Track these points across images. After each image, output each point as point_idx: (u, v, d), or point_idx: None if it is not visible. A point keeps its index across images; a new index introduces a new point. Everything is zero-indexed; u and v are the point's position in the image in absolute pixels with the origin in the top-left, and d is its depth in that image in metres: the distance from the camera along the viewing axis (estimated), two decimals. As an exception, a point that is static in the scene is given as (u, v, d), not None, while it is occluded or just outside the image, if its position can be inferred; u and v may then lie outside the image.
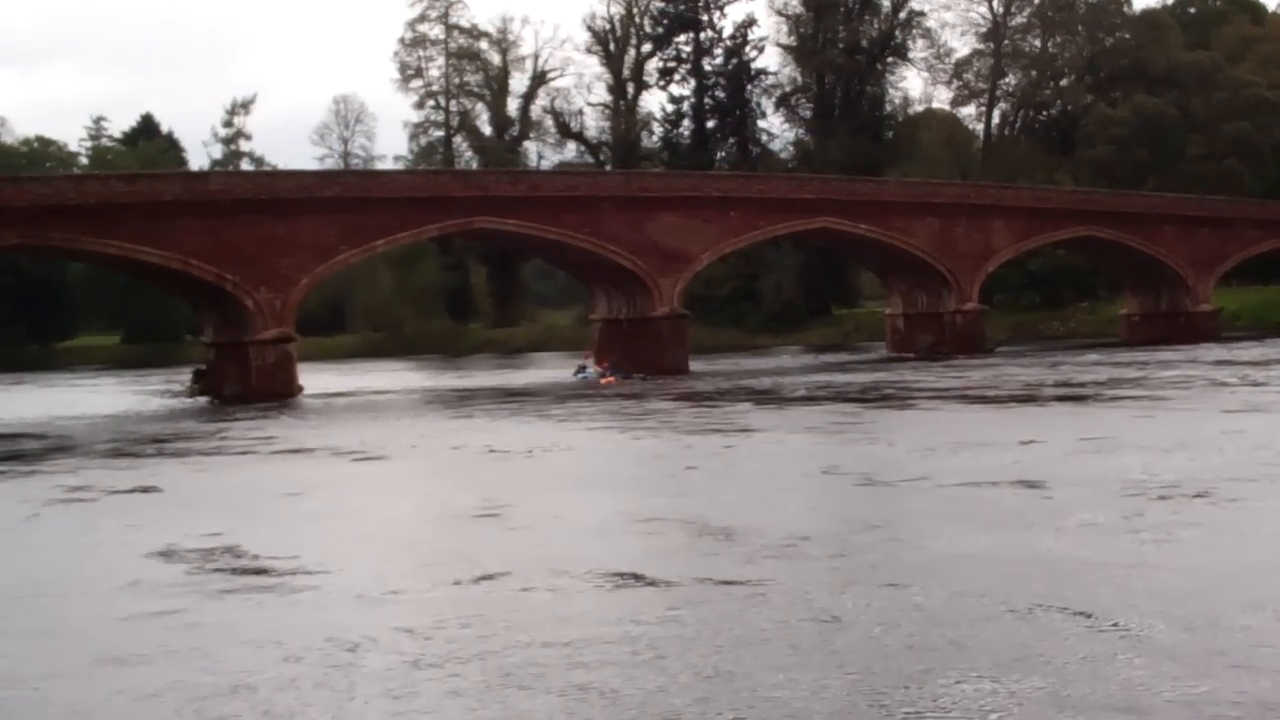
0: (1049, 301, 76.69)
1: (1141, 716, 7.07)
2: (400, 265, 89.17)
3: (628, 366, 47.65)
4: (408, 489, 19.19)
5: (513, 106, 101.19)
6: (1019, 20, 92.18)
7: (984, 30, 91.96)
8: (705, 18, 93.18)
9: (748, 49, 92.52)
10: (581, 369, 49.35)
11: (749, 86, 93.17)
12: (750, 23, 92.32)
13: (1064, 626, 8.85)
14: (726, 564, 11.50)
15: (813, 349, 70.07)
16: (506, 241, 61.57)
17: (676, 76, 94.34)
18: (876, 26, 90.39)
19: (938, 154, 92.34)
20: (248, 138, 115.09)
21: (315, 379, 48.31)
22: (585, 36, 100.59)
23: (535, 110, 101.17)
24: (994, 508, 14.31)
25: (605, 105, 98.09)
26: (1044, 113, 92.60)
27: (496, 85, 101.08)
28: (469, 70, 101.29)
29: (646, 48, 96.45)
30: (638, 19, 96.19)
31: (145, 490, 19.12)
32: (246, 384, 43.50)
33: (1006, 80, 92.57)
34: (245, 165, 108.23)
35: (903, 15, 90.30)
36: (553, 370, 55.69)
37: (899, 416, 27.93)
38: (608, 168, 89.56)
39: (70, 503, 18.27)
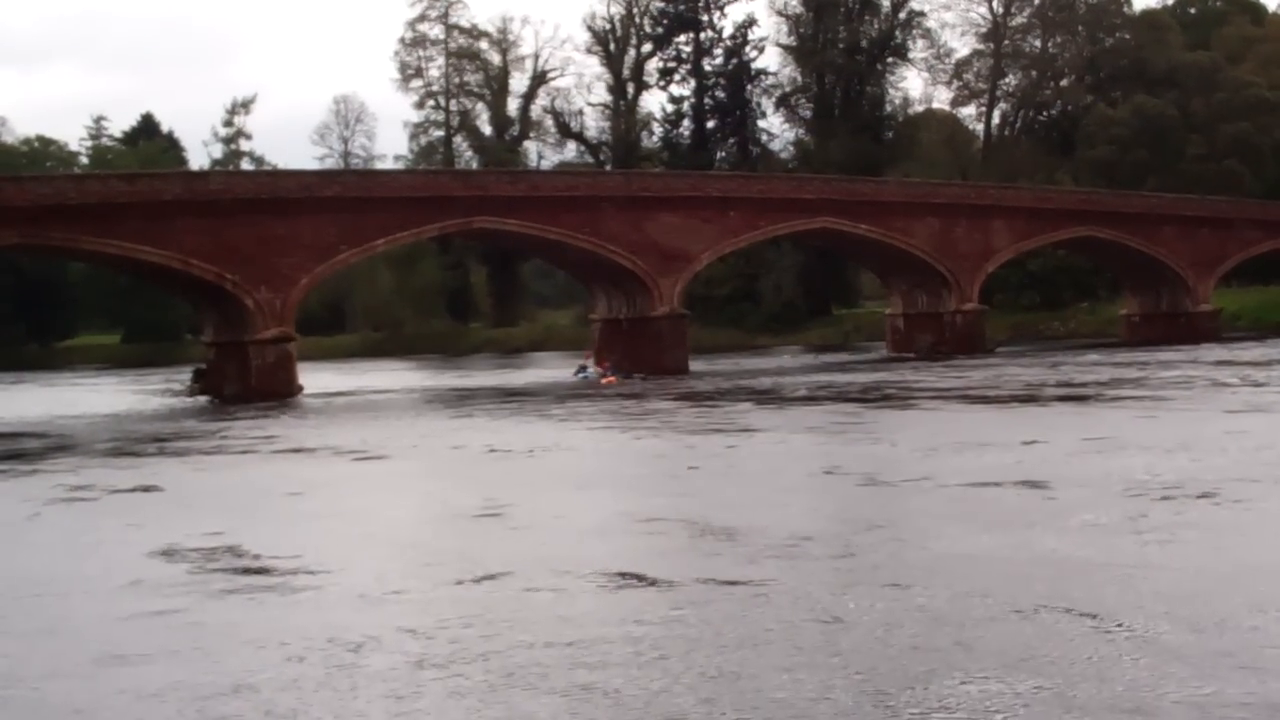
0: (1049, 302, 76.68)
1: (1148, 718, 7.04)
2: (400, 265, 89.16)
3: (628, 366, 47.62)
4: (409, 489, 19.16)
5: (513, 106, 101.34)
6: (1019, 20, 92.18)
7: (984, 30, 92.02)
8: (705, 18, 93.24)
9: (748, 49, 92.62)
10: (582, 369, 49.34)
11: (749, 86, 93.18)
12: (750, 23, 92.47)
13: (1069, 627, 8.83)
14: (729, 564, 11.47)
15: (813, 349, 70.03)
16: (506, 241, 61.56)
17: (676, 76, 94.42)
18: (876, 26, 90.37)
19: (938, 154, 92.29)
20: (248, 137, 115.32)
21: (315, 378, 48.28)
22: (585, 36, 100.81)
23: (535, 110, 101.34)
24: (997, 508, 14.29)
25: (605, 105, 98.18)
26: (1044, 113, 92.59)
27: (496, 85, 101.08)
28: (469, 70, 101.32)
29: (646, 48, 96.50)
30: (638, 19, 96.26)
31: (146, 489, 19.10)
32: (246, 383, 43.48)
33: (1007, 80, 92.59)
34: (245, 165, 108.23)
35: (903, 15, 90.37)
36: (553, 370, 55.67)
37: (900, 416, 27.90)
38: (608, 168, 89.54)
39: (71, 502, 18.24)
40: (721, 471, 19.03)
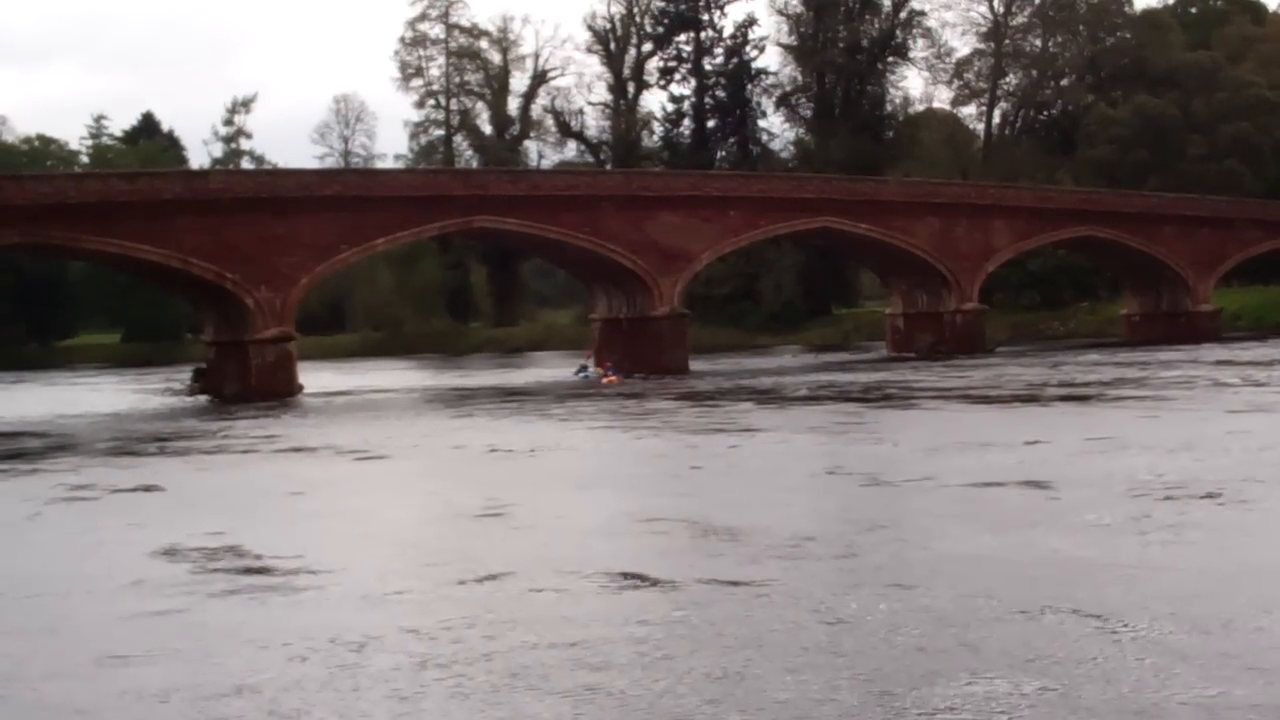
0: (1049, 301, 76.64)
1: (1155, 719, 7.02)
2: (400, 264, 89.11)
3: (628, 366, 47.58)
4: (410, 488, 19.13)
5: (513, 106, 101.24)
6: (1020, 20, 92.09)
7: (984, 30, 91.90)
8: (706, 17, 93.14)
9: (748, 48, 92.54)
10: (583, 368, 49.32)
11: (749, 86, 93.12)
12: (751, 22, 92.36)
13: (1074, 628, 8.80)
14: (732, 564, 11.45)
15: (813, 349, 69.98)
16: (506, 241, 61.52)
17: (677, 76, 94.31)
18: (877, 26, 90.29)
19: (938, 154, 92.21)
20: (248, 136, 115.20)
21: (315, 378, 48.25)
22: (585, 36, 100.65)
23: (535, 110, 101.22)
24: (1000, 508, 14.27)
25: (605, 105, 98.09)
26: (1044, 112, 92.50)
27: (497, 84, 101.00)
28: (469, 69, 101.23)
29: (647, 47, 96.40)
30: (638, 18, 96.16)
31: (147, 489, 19.07)
32: (246, 383, 43.45)
33: (1007, 80, 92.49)
34: (245, 164, 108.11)
35: (903, 15, 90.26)
36: (553, 369, 55.65)
37: (902, 416, 27.88)
38: (608, 167, 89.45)
39: (72, 501, 18.22)
40: (723, 471, 19.02)
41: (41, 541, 14.91)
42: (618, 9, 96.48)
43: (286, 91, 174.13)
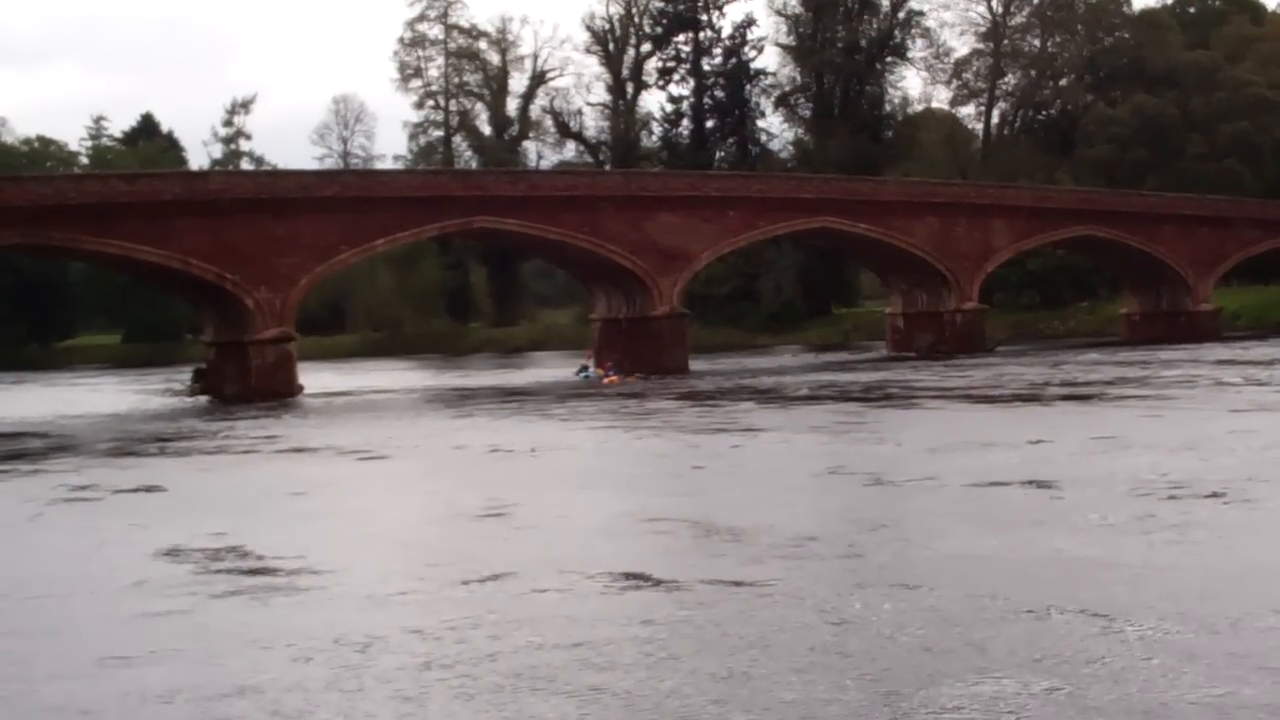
0: (1049, 301, 76.60)
1: None
2: (400, 265, 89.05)
3: (628, 366, 47.53)
4: (412, 488, 19.11)
5: (512, 106, 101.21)
6: (1018, 20, 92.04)
7: (983, 30, 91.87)
8: (704, 17, 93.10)
9: (747, 49, 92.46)
10: (584, 368, 49.29)
11: (748, 86, 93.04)
12: (749, 22, 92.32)
13: (1080, 628, 8.77)
14: (735, 564, 11.42)
15: (813, 348, 69.96)
16: (506, 241, 61.50)
17: (676, 76, 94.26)
18: (876, 26, 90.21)
19: (937, 154, 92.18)
20: (248, 137, 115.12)
21: (315, 378, 48.22)
22: (584, 36, 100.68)
23: (535, 110, 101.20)
24: (1003, 508, 14.24)
25: (604, 105, 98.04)
26: (1043, 112, 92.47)
27: (496, 85, 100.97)
28: (468, 70, 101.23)
29: (646, 47, 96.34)
30: (637, 19, 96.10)
31: (149, 490, 19.05)
32: (247, 383, 43.42)
33: (1006, 80, 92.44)
34: (245, 165, 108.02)
35: (902, 15, 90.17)
36: (553, 370, 55.62)
37: (904, 416, 27.84)
38: (607, 167, 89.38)
39: (74, 502, 18.19)
40: (725, 471, 18.99)
41: (43, 542, 14.89)
42: (616, 9, 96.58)
43: (286, 92, 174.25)
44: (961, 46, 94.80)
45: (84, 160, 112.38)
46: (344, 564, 12.33)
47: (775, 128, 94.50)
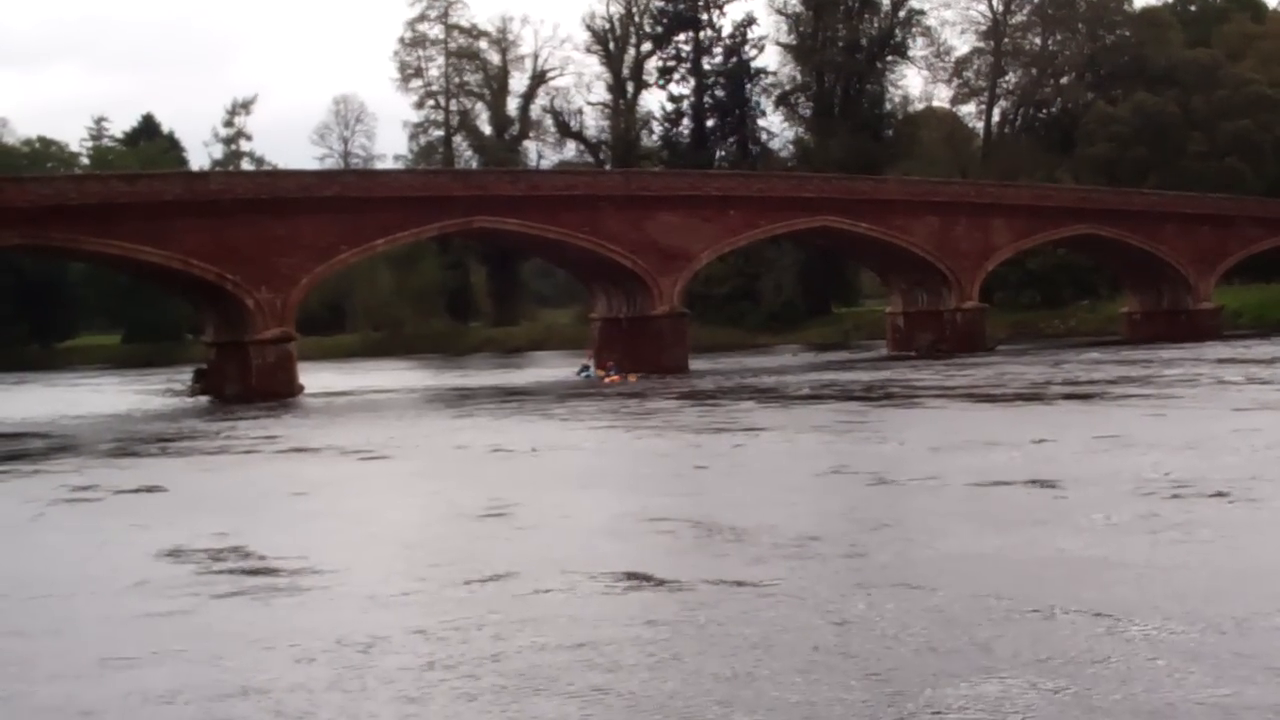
0: (1049, 300, 76.55)
1: None
2: (400, 265, 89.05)
3: (628, 366, 47.51)
4: (414, 488, 19.06)
5: (512, 106, 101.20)
6: (1019, 18, 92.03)
7: (984, 28, 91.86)
8: (705, 17, 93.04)
9: (747, 48, 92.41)
10: (585, 368, 49.27)
11: (749, 85, 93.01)
12: (750, 21, 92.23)
13: (1085, 627, 8.74)
14: (738, 564, 11.40)
15: (813, 347, 69.95)
16: (506, 241, 61.44)
17: (676, 75, 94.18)
18: (876, 25, 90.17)
19: (938, 152, 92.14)
20: (248, 138, 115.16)
21: (316, 378, 48.21)
22: (585, 36, 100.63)
23: (535, 110, 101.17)
24: (1007, 507, 14.21)
25: (605, 104, 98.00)
26: (1044, 111, 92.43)
27: (496, 85, 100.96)
28: (469, 70, 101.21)
29: (646, 47, 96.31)
30: (637, 18, 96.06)
31: (150, 490, 19.02)
32: (247, 383, 43.40)
33: (1006, 78, 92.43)
34: (245, 165, 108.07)
35: (902, 13, 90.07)
36: (553, 369, 55.60)
37: (905, 415, 27.81)
38: (607, 167, 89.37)
39: (75, 502, 18.17)
40: (727, 471, 18.95)
41: (45, 543, 14.86)
42: (617, 9, 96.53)
43: (286, 93, 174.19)
44: (962, 45, 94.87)
45: (85, 161, 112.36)
46: (346, 564, 12.30)
47: (776, 127, 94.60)
